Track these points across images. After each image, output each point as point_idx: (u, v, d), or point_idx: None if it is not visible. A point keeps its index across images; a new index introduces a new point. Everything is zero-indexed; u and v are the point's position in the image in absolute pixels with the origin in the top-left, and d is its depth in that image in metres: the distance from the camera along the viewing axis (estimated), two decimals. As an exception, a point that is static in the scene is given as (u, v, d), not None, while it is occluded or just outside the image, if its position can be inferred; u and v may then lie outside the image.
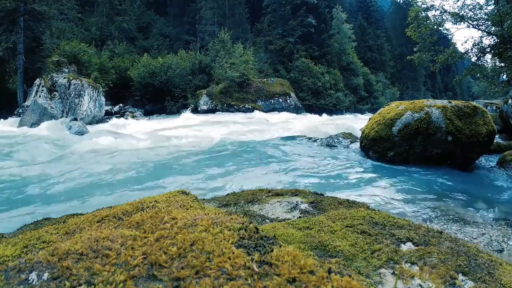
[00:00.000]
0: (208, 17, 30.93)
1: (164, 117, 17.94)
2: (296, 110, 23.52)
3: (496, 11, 12.19)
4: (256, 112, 20.09)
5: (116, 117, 16.61)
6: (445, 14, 13.59)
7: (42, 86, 12.10)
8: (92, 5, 31.90)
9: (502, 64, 12.97)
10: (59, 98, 12.16)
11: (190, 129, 10.07)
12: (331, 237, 1.08)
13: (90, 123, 12.41)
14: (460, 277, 0.87)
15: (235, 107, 21.86)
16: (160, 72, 22.57)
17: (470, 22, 13.23)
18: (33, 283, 0.58)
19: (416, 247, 1.01)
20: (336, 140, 6.14)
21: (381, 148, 4.65)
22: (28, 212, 2.88)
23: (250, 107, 21.93)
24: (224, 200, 1.89)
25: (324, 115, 22.81)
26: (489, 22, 12.91)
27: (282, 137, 7.43)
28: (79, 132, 9.05)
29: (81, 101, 12.68)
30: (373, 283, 0.85)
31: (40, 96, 11.85)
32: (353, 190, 3.34)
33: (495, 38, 12.61)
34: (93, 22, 29.44)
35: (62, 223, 0.98)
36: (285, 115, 18.57)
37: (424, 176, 3.92)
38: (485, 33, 13.25)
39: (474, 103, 4.72)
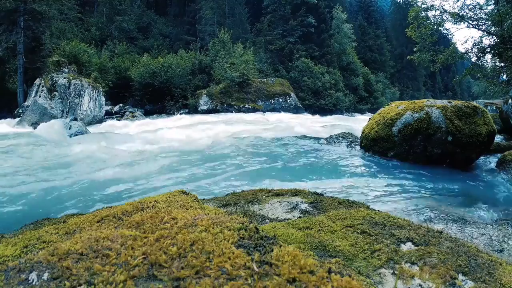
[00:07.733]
0: (208, 17, 30.94)
1: (164, 117, 17.93)
2: (296, 110, 23.55)
3: (496, 11, 12.20)
4: (256, 112, 20.13)
5: (116, 117, 16.64)
6: (445, 14, 13.61)
7: (42, 86, 12.09)
8: (92, 5, 31.92)
9: (502, 64, 12.99)
10: (59, 98, 12.15)
11: (190, 129, 10.06)
12: (331, 237, 1.08)
13: (90, 123, 12.40)
14: (460, 277, 0.87)
15: (235, 107, 21.86)
16: (160, 72, 22.56)
17: (470, 22, 13.24)
18: (33, 283, 0.58)
19: (416, 247, 1.00)
20: (336, 140, 6.14)
21: (381, 148, 4.65)
22: (28, 212, 2.88)
23: (250, 107, 21.94)
24: (224, 200, 1.89)
25: (324, 115, 22.86)
26: (489, 22, 12.93)
27: (281, 137, 7.43)
28: (79, 132, 9.04)
29: (81, 101, 12.67)
30: (373, 283, 0.85)
31: (40, 96, 11.84)
32: (353, 189, 3.34)
33: (495, 38, 12.62)
34: (93, 22, 29.47)
35: (62, 223, 0.98)
36: (285, 115, 18.61)
37: (424, 176, 3.92)
38: (485, 33, 13.27)
39: (474, 103, 4.71)
